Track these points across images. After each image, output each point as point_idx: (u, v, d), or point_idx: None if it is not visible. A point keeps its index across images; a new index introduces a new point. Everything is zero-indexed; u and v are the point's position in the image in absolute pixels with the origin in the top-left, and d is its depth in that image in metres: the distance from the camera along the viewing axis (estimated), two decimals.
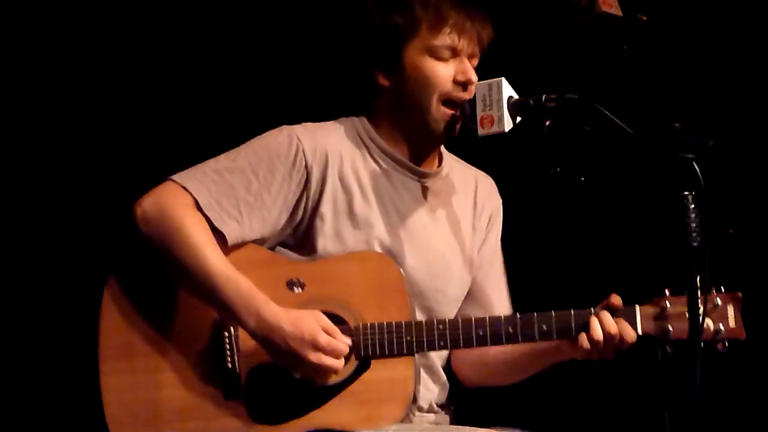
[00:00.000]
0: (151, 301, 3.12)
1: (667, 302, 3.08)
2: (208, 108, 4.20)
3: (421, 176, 3.27)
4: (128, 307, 3.11)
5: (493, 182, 3.45)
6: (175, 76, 4.18)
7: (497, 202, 3.44)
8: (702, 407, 2.62)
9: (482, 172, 3.44)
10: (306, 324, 3.00)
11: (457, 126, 3.17)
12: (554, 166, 3.84)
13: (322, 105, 3.59)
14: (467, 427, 3.18)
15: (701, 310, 3.03)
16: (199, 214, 3.06)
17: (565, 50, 4.12)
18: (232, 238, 3.08)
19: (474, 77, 3.15)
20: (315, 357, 2.99)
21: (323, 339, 2.99)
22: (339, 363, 3.02)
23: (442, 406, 3.29)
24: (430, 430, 3.14)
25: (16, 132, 4.11)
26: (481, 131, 3.08)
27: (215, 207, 3.07)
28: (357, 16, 3.25)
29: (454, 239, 3.30)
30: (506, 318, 3.12)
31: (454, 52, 3.17)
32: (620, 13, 3.75)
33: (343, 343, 3.02)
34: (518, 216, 3.53)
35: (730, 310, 3.09)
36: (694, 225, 2.69)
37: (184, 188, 3.07)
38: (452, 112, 3.16)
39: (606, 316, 3.07)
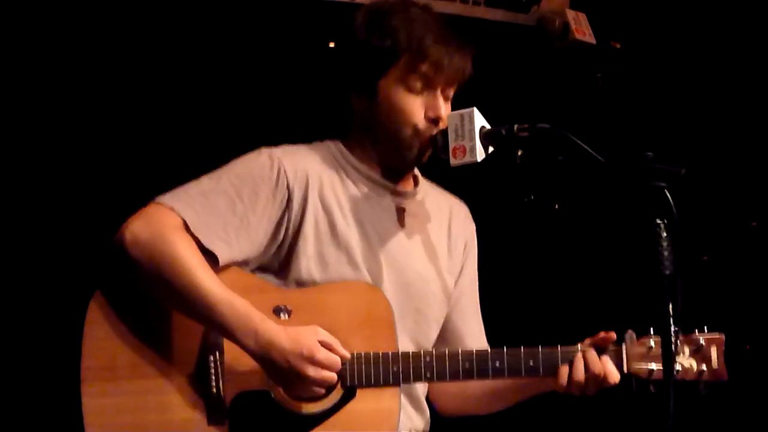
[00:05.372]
0: (136, 324, 3.08)
1: (653, 342, 3.08)
2: (188, 128, 4.21)
3: (397, 195, 3.28)
4: (112, 329, 3.07)
5: (467, 209, 3.46)
6: (152, 97, 4.19)
7: (471, 228, 3.45)
8: None
9: (457, 199, 3.45)
10: (304, 339, 2.99)
11: (426, 155, 3.19)
12: (527, 194, 3.86)
13: (300, 126, 3.59)
14: None
15: (686, 352, 3.06)
16: (189, 236, 3.04)
17: (539, 78, 4.13)
18: (222, 258, 3.06)
19: (443, 114, 3.15)
20: (313, 371, 2.98)
21: (322, 354, 2.99)
22: (334, 377, 3.01)
23: None
24: None
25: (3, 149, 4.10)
26: (453, 161, 3.08)
27: (204, 228, 3.05)
28: (342, 40, 3.26)
29: (431, 261, 3.31)
30: (493, 352, 3.12)
31: (429, 85, 3.17)
32: (594, 41, 3.77)
33: (342, 354, 3.02)
34: (492, 245, 3.53)
35: (713, 352, 3.10)
36: (666, 253, 2.69)
37: (172, 210, 3.05)
38: (423, 140, 3.16)
39: (592, 355, 3.08)
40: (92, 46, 4.13)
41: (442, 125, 3.13)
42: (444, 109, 3.17)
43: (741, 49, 4.23)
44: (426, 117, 3.16)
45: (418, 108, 3.16)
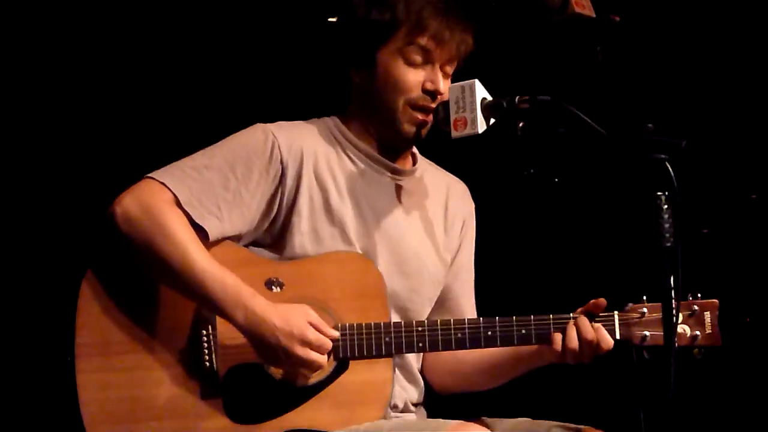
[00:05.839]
0: (129, 299, 3.10)
1: (645, 309, 3.10)
2: (181, 105, 4.19)
3: (395, 172, 3.27)
4: (105, 304, 3.09)
5: (465, 187, 3.46)
6: (147, 74, 4.17)
7: (470, 207, 3.45)
8: (676, 408, 2.62)
9: (454, 177, 3.46)
10: (295, 318, 2.99)
11: (424, 130, 3.19)
12: (528, 167, 3.85)
13: (297, 104, 3.58)
14: (434, 419, 3.19)
15: (679, 317, 3.07)
16: (180, 210, 3.05)
17: (539, 52, 4.12)
18: (212, 233, 3.07)
19: (441, 87, 3.16)
20: (303, 351, 2.99)
21: (312, 334, 3.00)
22: (325, 359, 3.02)
23: (417, 405, 3.30)
24: (399, 426, 3.13)
25: None
26: (454, 133, 3.08)
27: (195, 204, 3.06)
28: (340, 12, 3.26)
29: (427, 239, 3.31)
30: (485, 321, 3.12)
31: (428, 59, 3.17)
32: (593, 14, 3.75)
33: (331, 336, 3.02)
34: (492, 218, 3.53)
35: (707, 317, 3.12)
36: (667, 225, 2.69)
37: (164, 185, 3.06)
38: (419, 116, 3.16)
39: (584, 322, 3.09)
40: (82, 23, 4.11)
41: (441, 100, 3.13)
42: (443, 84, 3.17)
43: (741, 20, 4.22)
44: (423, 88, 3.16)
45: (416, 81, 3.16)
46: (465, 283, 3.41)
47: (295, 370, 3.04)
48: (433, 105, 3.15)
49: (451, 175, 3.45)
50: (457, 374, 3.35)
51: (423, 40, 3.15)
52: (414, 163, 3.34)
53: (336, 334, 3.04)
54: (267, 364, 3.06)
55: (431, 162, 3.42)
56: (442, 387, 3.38)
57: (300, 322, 3.00)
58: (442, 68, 3.19)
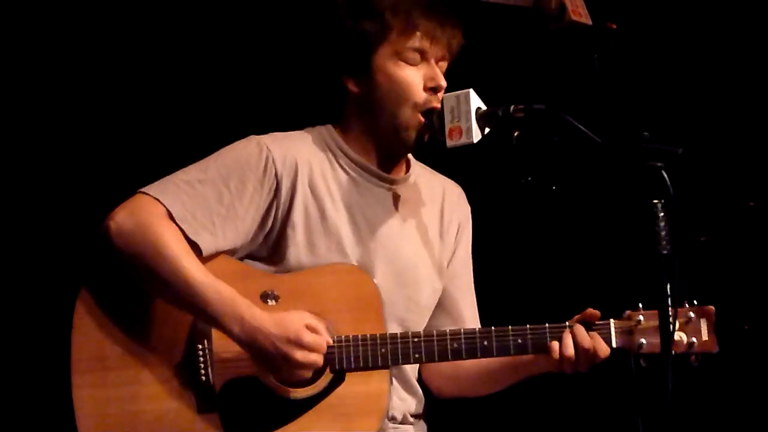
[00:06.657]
0: (124, 314, 3.09)
1: (641, 316, 3.09)
2: (175, 117, 4.18)
3: (389, 183, 3.27)
4: (101, 320, 3.09)
5: (461, 190, 3.45)
6: (140, 86, 4.16)
7: (465, 210, 3.44)
8: (674, 417, 2.61)
9: (450, 180, 3.44)
10: (290, 323, 3.00)
11: (427, 134, 3.17)
12: (524, 176, 3.85)
13: (291, 114, 3.57)
14: None
15: (675, 324, 3.05)
16: (174, 225, 3.04)
17: (535, 60, 4.12)
18: (206, 249, 3.07)
19: (443, 82, 3.16)
20: (301, 355, 2.99)
21: (308, 336, 2.99)
22: (321, 357, 3.01)
23: (416, 417, 3.29)
24: None
25: None
26: (449, 143, 3.08)
27: (189, 219, 3.06)
28: (328, 22, 3.25)
29: (423, 247, 3.30)
30: (481, 331, 3.12)
31: (423, 57, 3.17)
32: (590, 23, 3.75)
33: (327, 341, 3.02)
34: (489, 226, 3.52)
35: (703, 324, 3.11)
36: (663, 233, 2.68)
37: (157, 200, 3.05)
38: (423, 119, 3.15)
39: (580, 330, 3.08)
40: (77, 32, 4.10)
41: (440, 98, 3.12)
42: (442, 79, 3.16)
43: (737, 27, 4.22)
44: (425, 89, 3.16)
45: (416, 80, 3.16)
46: (461, 287, 3.40)
47: (294, 374, 3.03)
48: (438, 105, 3.13)
49: (446, 179, 3.44)
50: (455, 380, 3.35)
51: (416, 40, 3.15)
52: (407, 170, 3.33)
53: (329, 339, 3.04)
54: (266, 374, 3.05)
55: (425, 166, 3.40)
56: (440, 392, 3.38)
57: (296, 325, 3.00)
58: (437, 65, 3.19)
